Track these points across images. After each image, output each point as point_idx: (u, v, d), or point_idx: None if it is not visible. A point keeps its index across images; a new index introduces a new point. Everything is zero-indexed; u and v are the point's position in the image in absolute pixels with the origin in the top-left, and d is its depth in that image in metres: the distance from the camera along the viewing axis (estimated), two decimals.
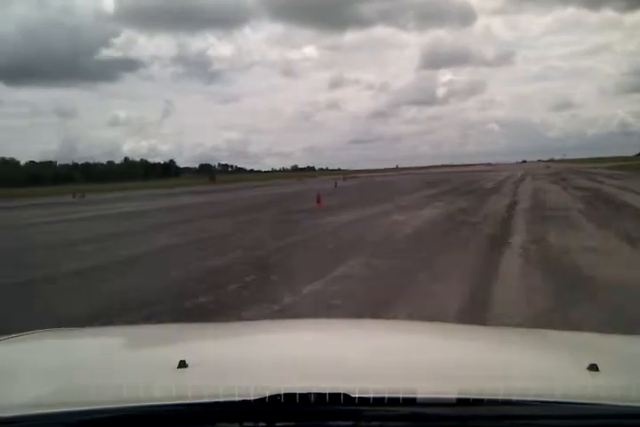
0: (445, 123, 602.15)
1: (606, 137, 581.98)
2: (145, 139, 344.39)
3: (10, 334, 1.60)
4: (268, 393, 0.91)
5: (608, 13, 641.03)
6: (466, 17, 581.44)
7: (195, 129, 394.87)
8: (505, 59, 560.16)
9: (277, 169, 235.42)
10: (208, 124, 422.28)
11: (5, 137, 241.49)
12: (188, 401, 0.93)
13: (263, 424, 0.90)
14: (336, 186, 36.74)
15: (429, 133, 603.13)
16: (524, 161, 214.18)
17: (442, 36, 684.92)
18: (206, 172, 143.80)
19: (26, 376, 1.19)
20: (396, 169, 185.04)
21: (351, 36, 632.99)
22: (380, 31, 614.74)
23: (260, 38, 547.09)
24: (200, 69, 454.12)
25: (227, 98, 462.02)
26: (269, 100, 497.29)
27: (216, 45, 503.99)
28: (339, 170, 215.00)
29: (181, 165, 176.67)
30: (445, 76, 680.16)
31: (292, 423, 0.91)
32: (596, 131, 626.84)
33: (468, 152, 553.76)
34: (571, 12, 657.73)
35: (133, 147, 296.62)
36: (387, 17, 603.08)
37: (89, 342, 1.69)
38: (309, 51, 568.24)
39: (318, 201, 18.64)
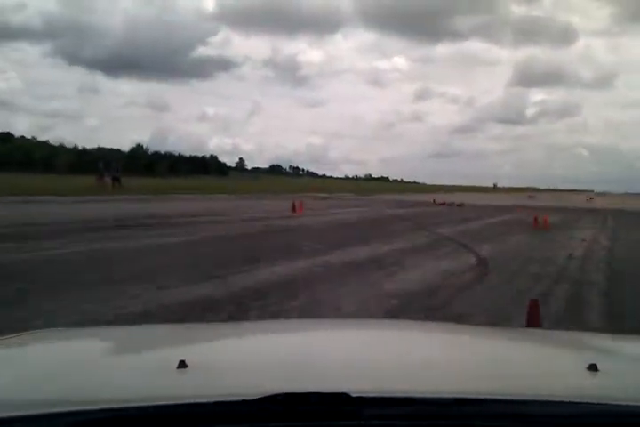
0: (532, 143, 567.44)
1: None
2: (229, 136, 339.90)
3: (10, 334, 1.60)
4: (268, 393, 0.91)
5: None
6: (566, 36, 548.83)
7: (277, 131, 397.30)
8: (603, 82, 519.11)
9: (351, 176, 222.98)
10: (291, 127, 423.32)
11: (100, 125, 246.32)
12: (187, 401, 0.93)
13: (263, 424, 0.91)
14: None
15: (513, 153, 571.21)
16: None
17: (537, 53, 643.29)
18: (276, 173, 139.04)
19: (26, 376, 1.19)
20: (496, 189, 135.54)
21: (443, 49, 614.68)
22: (473, 45, 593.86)
23: (351, 46, 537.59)
24: (288, 73, 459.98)
25: (312, 103, 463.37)
26: (353, 107, 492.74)
27: (306, 51, 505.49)
28: (414, 183, 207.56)
29: (254, 166, 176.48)
30: (537, 95, 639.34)
31: (293, 423, 0.92)
32: None
33: (554, 176, 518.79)
34: None
35: (218, 143, 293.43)
36: (481, 31, 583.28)
37: (89, 342, 1.68)
38: (399, 61, 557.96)
39: None
